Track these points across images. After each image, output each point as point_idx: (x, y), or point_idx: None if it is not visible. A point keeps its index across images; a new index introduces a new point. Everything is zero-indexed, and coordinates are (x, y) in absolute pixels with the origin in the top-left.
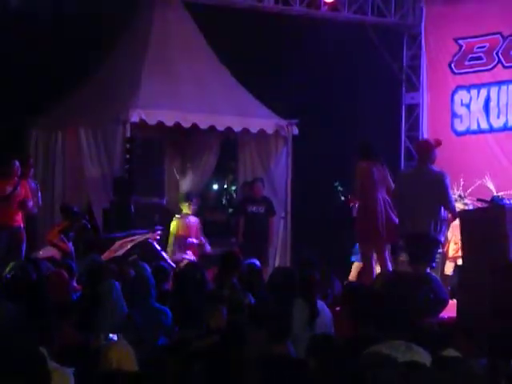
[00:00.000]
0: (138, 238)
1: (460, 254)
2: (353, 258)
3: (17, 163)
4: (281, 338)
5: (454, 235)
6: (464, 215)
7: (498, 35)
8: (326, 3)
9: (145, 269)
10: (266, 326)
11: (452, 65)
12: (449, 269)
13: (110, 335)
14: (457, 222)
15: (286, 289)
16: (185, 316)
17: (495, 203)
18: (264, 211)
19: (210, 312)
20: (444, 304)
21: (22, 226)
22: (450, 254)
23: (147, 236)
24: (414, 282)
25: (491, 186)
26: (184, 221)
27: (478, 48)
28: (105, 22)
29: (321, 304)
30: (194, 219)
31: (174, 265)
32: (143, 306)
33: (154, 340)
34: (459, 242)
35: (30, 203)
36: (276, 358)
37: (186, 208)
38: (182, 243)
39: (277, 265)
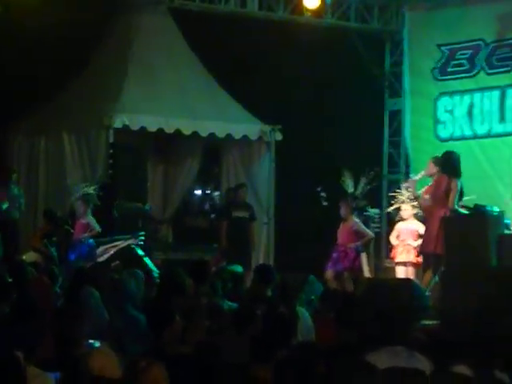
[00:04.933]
0: (121, 244)
1: (407, 258)
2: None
3: None
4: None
5: (401, 240)
6: (447, 221)
7: (481, 42)
8: (309, 9)
9: (137, 275)
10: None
11: (435, 71)
12: (400, 274)
13: (91, 341)
14: (403, 226)
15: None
16: (163, 321)
17: (477, 210)
18: (248, 216)
19: (187, 325)
20: (426, 310)
21: None
22: (399, 258)
23: (130, 242)
24: (396, 289)
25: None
26: None
27: (461, 55)
28: (88, 27)
29: (301, 310)
30: None
31: (156, 270)
32: (120, 313)
33: (134, 347)
34: (408, 247)
35: None
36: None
37: None
38: None
39: None
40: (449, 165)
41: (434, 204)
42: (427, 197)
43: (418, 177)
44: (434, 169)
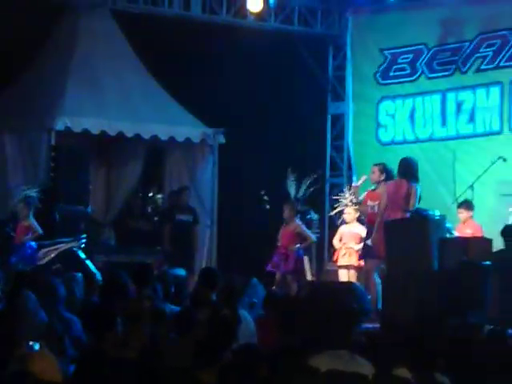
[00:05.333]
0: (63, 247)
1: (349, 262)
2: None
3: None
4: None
5: (343, 243)
6: (389, 225)
7: (423, 46)
8: (252, 13)
9: (76, 277)
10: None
11: (377, 75)
12: (342, 277)
13: (32, 343)
14: (345, 229)
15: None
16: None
17: (419, 214)
18: (191, 220)
19: (130, 329)
20: (367, 314)
21: None
22: (341, 262)
23: (72, 244)
24: (338, 292)
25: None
26: None
27: (403, 59)
28: (32, 29)
29: (243, 313)
30: None
31: (98, 273)
32: (57, 316)
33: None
34: (350, 250)
35: None
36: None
37: None
38: None
39: None
40: (408, 170)
41: (392, 208)
42: (371, 203)
43: (359, 182)
44: (381, 176)
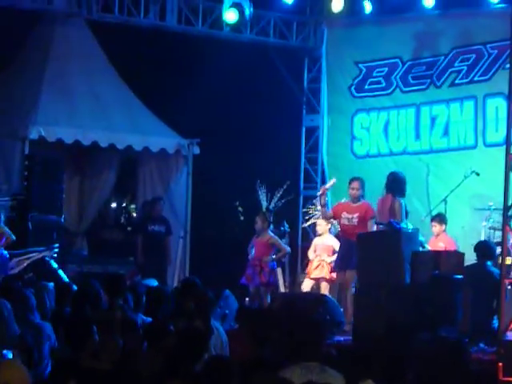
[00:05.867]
0: (35, 256)
1: (321, 274)
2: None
3: None
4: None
5: (316, 255)
6: (361, 238)
7: (398, 60)
8: (228, 24)
9: (48, 287)
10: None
11: (352, 88)
12: (308, 289)
13: (5, 352)
14: (319, 241)
15: None
16: (81, 335)
17: (392, 227)
18: (164, 231)
19: (102, 339)
20: (339, 326)
21: None
22: (313, 275)
23: (44, 254)
24: (310, 304)
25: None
26: None
27: (378, 72)
28: (4, 39)
29: (215, 324)
30: None
31: (69, 282)
32: (26, 325)
33: (38, 357)
34: (323, 262)
35: None
36: None
37: None
38: None
39: (175, 284)
40: (394, 185)
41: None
42: (348, 215)
43: (328, 185)
44: (359, 190)
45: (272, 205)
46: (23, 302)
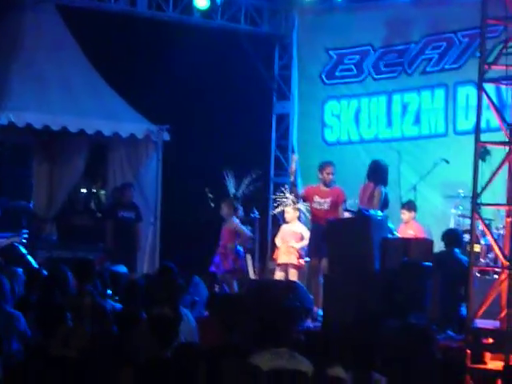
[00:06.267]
0: (4, 242)
1: (289, 260)
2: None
3: None
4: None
5: (285, 241)
6: (330, 225)
7: (369, 47)
8: (198, 10)
9: (16, 273)
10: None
11: (323, 75)
12: (279, 276)
13: None
14: (286, 228)
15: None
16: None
17: (361, 213)
18: (134, 217)
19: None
20: (309, 312)
21: None
22: (280, 260)
23: (13, 239)
24: (280, 290)
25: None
26: None
27: (349, 59)
28: None
29: (184, 311)
30: None
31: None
32: None
33: (9, 346)
34: (291, 249)
35: None
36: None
37: None
38: None
39: (145, 271)
40: (376, 173)
41: None
42: (319, 200)
43: (293, 162)
44: (333, 175)
45: (240, 192)
46: None
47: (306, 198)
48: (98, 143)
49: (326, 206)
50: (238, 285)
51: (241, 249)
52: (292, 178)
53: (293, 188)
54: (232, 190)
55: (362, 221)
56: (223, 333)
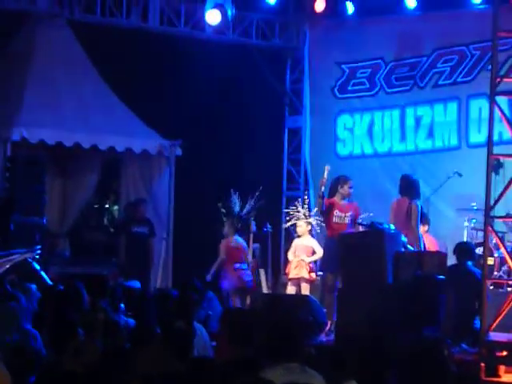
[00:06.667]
0: (17, 258)
1: (300, 274)
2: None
3: None
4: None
5: (296, 256)
6: (343, 238)
7: (380, 61)
8: (210, 25)
9: (30, 289)
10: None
11: (335, 89)
12: (291, 291)
13: None
14: (298, 242)
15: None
16: (65, 336)
17: (374, 227)
18: (148, 232)
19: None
20: (322, 326)
21: None
22: (292, 274)
23: (26, 255)
24: (292, 305)
25: None
26: None
27: (361, 73)
28: None
29: (198, 326)
30: None
31: (53, 283)
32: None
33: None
34: (302, 263)
35: None
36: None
37: None
38: None
39: (158, 286)
40: (409, 188)
41: (396, 226)
42: (340, 214)
43: (325, 173)
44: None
45: (244, 212)
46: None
47: (326, 212)
48: (110, 159)
49: (347, 220)
50: (251, 299)
51: (245, 265)
52: (322, 190)
53: (319, 200)
54: (237, 209)
55: (375, 234)
56: (236, 348)
